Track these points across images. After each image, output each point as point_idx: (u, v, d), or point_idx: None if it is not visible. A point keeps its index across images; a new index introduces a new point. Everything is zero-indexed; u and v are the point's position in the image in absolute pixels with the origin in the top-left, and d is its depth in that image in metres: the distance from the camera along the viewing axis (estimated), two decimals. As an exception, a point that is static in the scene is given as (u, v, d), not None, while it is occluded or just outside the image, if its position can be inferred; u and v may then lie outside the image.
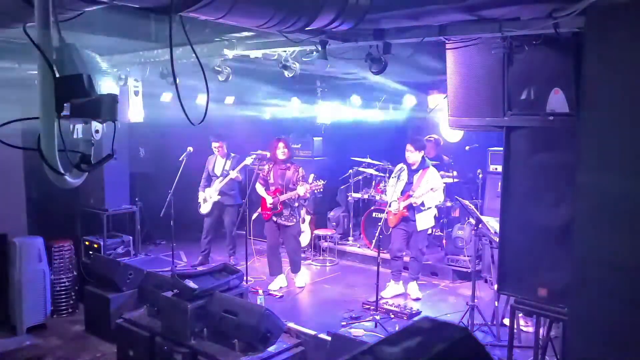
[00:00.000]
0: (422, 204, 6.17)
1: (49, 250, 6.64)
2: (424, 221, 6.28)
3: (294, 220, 6.70)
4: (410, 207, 6.22)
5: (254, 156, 7.41)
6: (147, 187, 8.37)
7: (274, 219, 6.66)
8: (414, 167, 6.32)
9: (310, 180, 6.89)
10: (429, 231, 7.63)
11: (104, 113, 2.01)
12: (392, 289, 6.44)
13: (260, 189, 6.75)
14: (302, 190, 6.47)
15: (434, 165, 6.56)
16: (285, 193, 6.54)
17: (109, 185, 7.53)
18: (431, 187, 6.10)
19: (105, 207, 7.53)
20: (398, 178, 6.39)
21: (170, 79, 5.94)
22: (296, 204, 6.69)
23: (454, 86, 4.33)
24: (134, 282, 6.15)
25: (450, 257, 7.22)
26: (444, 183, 7.55)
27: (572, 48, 3.46)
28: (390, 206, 6.32)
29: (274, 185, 6.66)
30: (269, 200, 6.62)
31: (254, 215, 7.26)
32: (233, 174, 7.39)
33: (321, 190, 6.77)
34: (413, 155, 6.24)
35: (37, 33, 1.92)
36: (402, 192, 6.29)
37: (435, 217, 6.59)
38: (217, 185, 7.52)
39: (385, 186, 8.10)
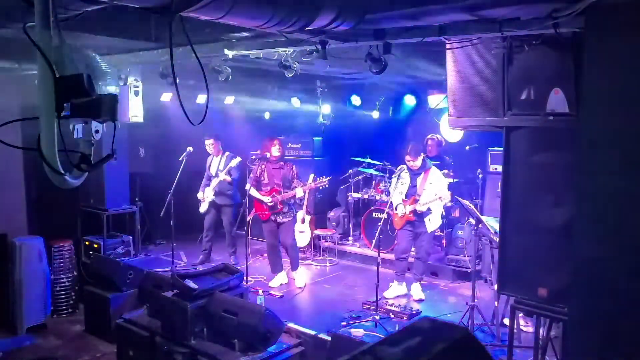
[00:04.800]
0: (429, 209, 6.16)
1: (49, 250, 6.65)
2: (433, 223, 6.27)
3: (291, 215, 6.79)
4: (415, 212, 6.21)
5: (239, 159, 7.38)
6: (147, 187, 8.37)
7: (273, 218, 6.69)
8: (416, 170, 6.30)
9: (309, 180, 6.91)
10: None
11: (104, 113, 2.01)
12: (395, 289, 6.44)
13: (254, 192, 6.66)
14: (300, 192, 6.57)
15: (434, 165, 6.54)
16: (284, 191, 6.57)
17: (109, 185, 7.53)
18: (439, 197, 6.03)
19: (105, 207, 7.54)
20: (398, 178, 6.38)
21: (170, 78, 5.94)
22: (292, 201, 6.77)
23: (454, 86, 4.32)
24: (134, 282, 6.15)
25: (450, 257, 7.22)
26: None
27: (572, 48, 3.45)
28: (396, 209, 6.31)
29: (269, 185, 6.64)
30: (268, 200, 6.60)
31: (249, 218, 7.23)
32: (222, 176, 7.42)
33: (326, 185, 6.85)
34: (416, 162, 6.24)
35: (37, 33, 1.92)
36: (407, 196, 6.28)
37: (442, 215, 6.56)
38: (213, 184, 7.57)
39: (385, 186, 8.10)
